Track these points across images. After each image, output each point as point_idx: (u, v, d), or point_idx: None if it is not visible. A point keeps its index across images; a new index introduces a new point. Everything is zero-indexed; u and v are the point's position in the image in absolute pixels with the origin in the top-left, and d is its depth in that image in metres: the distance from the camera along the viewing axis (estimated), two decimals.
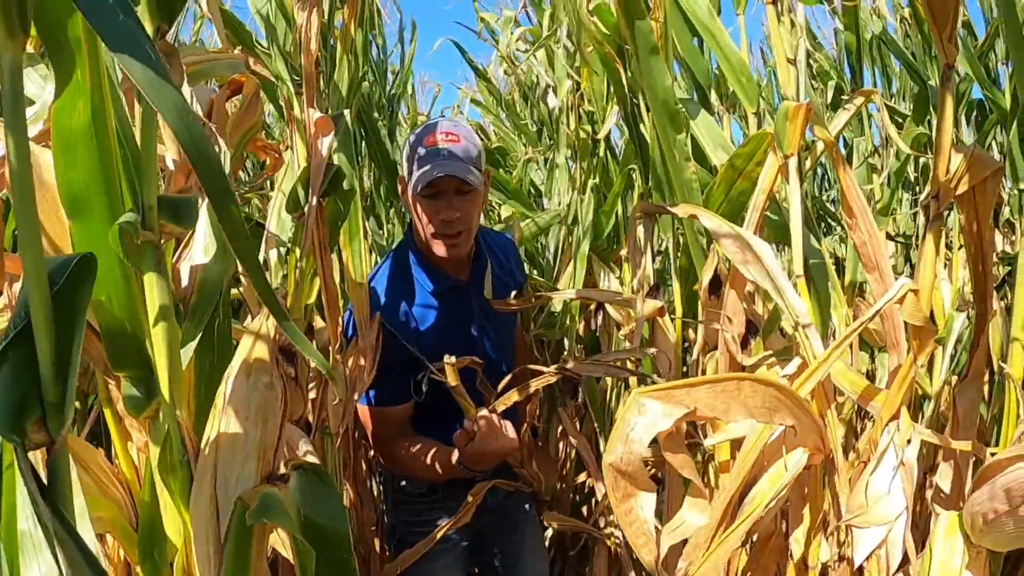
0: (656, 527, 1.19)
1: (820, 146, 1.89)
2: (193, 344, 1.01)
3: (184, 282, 1.08)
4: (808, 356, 1.43)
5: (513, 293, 2.51)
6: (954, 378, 3.17)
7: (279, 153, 1.87)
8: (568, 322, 2.96)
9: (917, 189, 3.58)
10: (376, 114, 3.52)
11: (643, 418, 1.13)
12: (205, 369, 1.02)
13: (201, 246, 1.10)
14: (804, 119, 1.49)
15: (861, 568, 1.52)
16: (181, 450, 0.93)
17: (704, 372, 2.02)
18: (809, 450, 1.37)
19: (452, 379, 2.08)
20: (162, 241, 0.93)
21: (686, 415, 1.14)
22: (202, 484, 0.91)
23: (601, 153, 2.88)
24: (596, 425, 2.94)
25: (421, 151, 2.24)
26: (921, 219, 3.48)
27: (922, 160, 3.55)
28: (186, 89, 1.11)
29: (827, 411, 1.42)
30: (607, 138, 2.89)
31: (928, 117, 3.24)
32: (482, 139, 4.02)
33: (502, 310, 2.41)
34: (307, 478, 0.91)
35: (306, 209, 1.78)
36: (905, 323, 1.47)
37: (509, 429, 2.24)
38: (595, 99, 2.78)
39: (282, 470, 0.94)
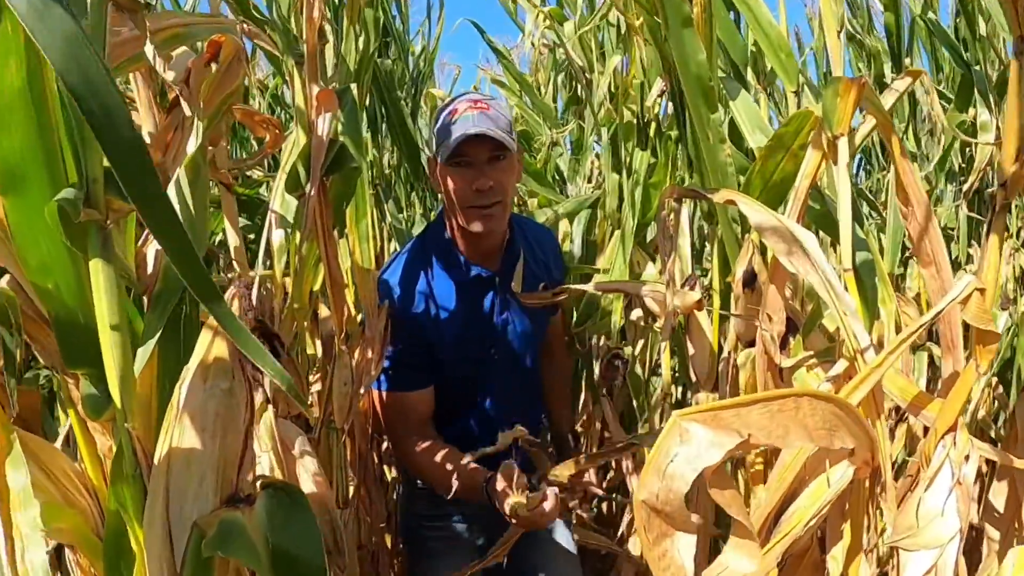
0: None
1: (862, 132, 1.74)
2: (155, 339, 0.88)
3: (150, 269, 0.95)
4: (857, 359, 1.28)
5: (541, 285, 2.34)
6: (995, 379, 3.02)
7: (279, 128, 1.73)
8: (600, 317, 2.80)
9: (962, 180, 3.40)
10: (399, 93, 3.38)
11: (686, 448, 0.94)
12: (169, 367, 0.89)
13: None
14: (857, 95, 1.34)
15: None
16: (133, 462, 0.80)
17: (736, 372, 1.88)
18: (857, 464, 1.23)
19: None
20: (110, 221, 0.79)
21: (739, 445, 0.96)
22: (154, 504, 0.78)
23: (652, 133, 2.71)
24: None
25: (448, 120, 2.08)
26: (963, 212, 3.31)
27: (967, 149, 3.38)
28: (149, 49, 0.97)
29: (877, 421, 1.27)
30: (657, 117, 2.73)
31: (972, 103, 3.07)
32: None
33: (528, 304, 2.28)
34: (277, 499, 0.78)
35: (307, 189, 1.65)
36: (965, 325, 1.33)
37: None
38: (646, 73, 2.64)
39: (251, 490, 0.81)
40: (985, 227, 1.32)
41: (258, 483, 0.81)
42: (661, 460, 0.96)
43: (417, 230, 3.13)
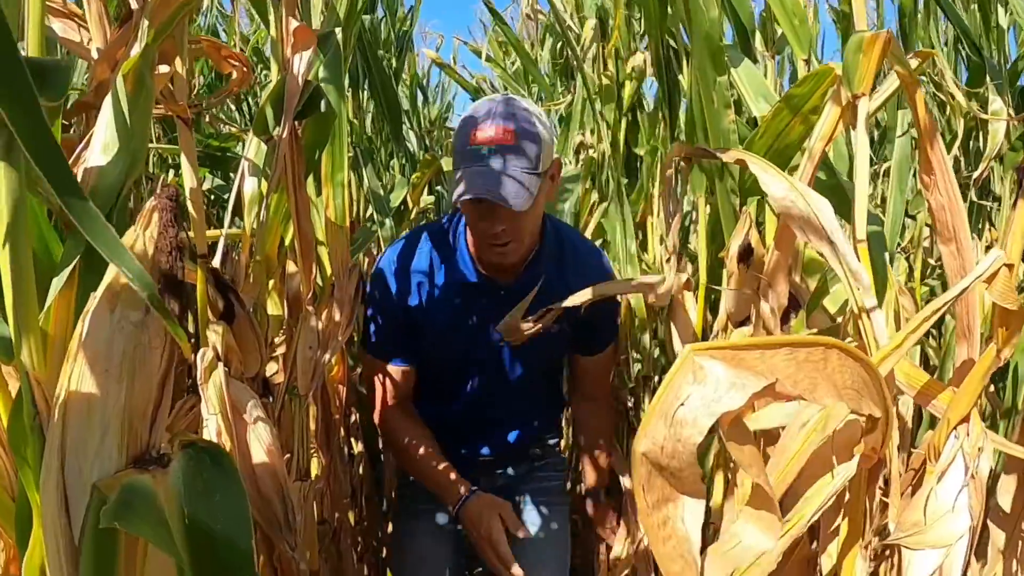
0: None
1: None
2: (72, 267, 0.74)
3: None
4: (868, 339, 1.16)
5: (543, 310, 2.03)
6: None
7: (246, 66, 1.59)
8: None
9: (973, 161, 3.30)
10: (382, 52, 3.24)
11: (701, 388, 0.76)
12: (87, 300, 0.75)
13: (100, 143, 0.83)
14: (882, 51, 1.22)
15: None
16: (32, 411, 0.67)
17: None
18: (866, 453, 1.12)
19: None
20: None
21: (765, 390, 0.79)
22: (50, 461, 0.64)
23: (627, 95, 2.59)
24: None
25: (464, 146, 1.87)
26: (973, 194, 3.23)
27: (970, 142, 3.28)
28: None
29: (892, 416, 1.15)
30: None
31: (984, 89, 2.96)
32: None
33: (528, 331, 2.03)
34: (197, 462, 0.65)
35: (276, 134, 1.51)
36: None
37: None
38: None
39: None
40: (1013, 199, 1.20)
41: (175, 442, 0.68)
42: (670, 402, 0.80)
43: (396, 196, 3.00)
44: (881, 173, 3.36)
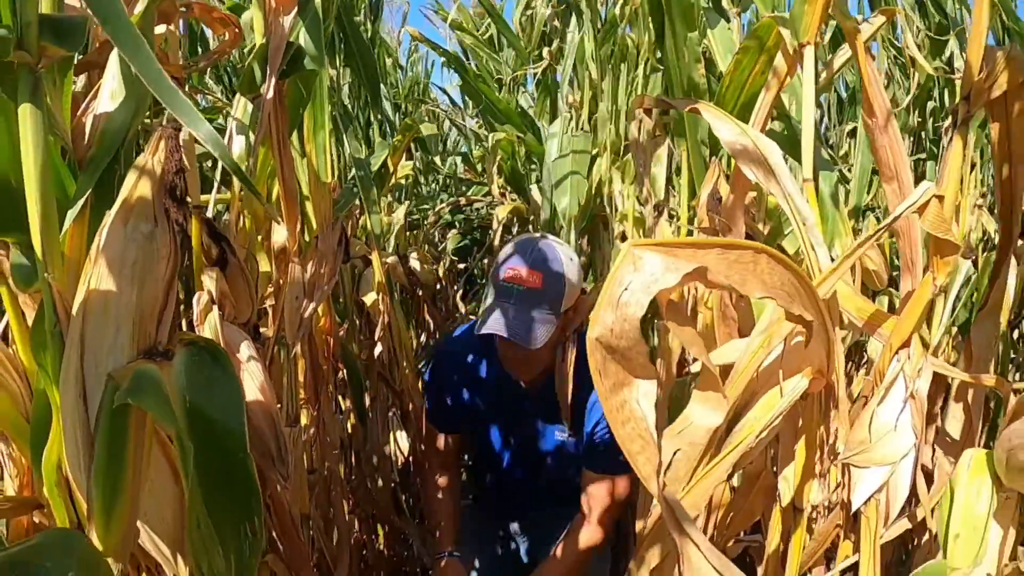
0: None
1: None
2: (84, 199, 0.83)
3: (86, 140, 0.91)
4: (813, 268, 1.26)
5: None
6: (954, 329, 3.02)
7: (239, 27, 1.66)
8: None
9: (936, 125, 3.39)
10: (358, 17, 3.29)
11: (640, 275, 0.87)
12: (97, 225, 0.85)
13: (108, 91, 0.92)
14: (824, 3, 1.31)
15: (857, 514, 1.35)
16: (53, 319, 0.76)
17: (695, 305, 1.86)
18: (812, 374, 1.21)
19: None
20: (41, 65, 0.76)
21: (695, 272, 0.89)
22: (70, 358, 0.74)
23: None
24: None
25: (497, 279, 2.17)
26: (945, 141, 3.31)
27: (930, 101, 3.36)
28: None
29: (832, 333, 1.25)
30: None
31: (945, 51, 3.05)
32: (468, 68, 3.81)
33: None
34: (199, 358, 0.74)
35: (263, 90, 1.59)
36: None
37: None
38: None
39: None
40: (947, 140, 1.30)
41: (178, 340, 0.77)
42: (615, 290, 0.90)
43: (377, 159, 3.06)
44: (846, 134, 3.46)
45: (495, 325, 2.11)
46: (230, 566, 0.74)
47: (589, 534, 2.39)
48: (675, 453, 1.11)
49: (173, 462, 1.01)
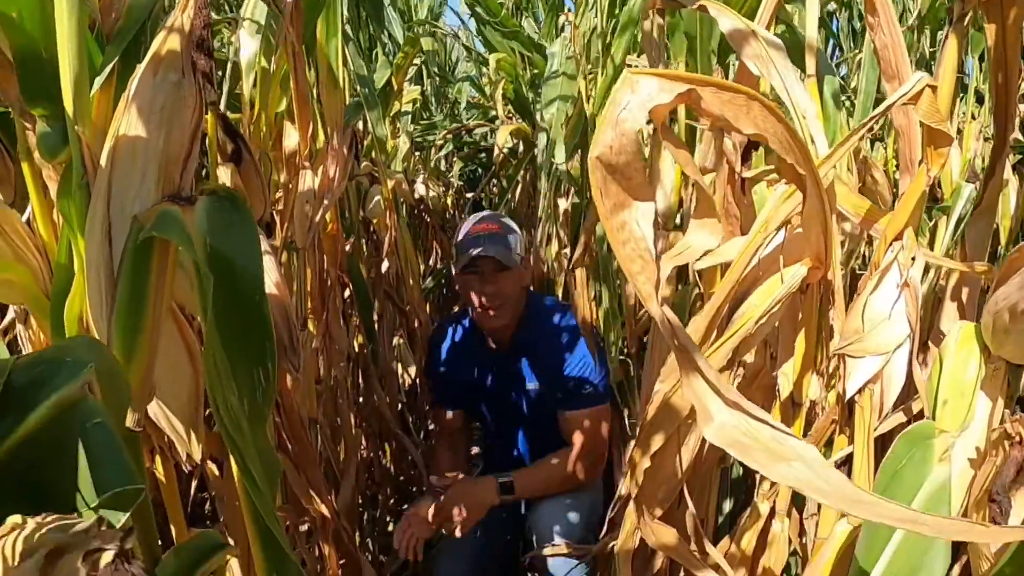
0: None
1: None
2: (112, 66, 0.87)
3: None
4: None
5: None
6: (956, 250, 3.05)
7: None
8: None
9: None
10: None
11: (636, 95, 0.91)
12: (122, 92, 0.88)
13: None
14: None
15: (853, 409, 1.39)
16: (81, 172, 0.80)
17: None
18: (810, 262, 1.24)
19: None
20: None
21: (689, 92, 0.93)
22: (96, 205, 0.77)
23: None
24: None
25: (463, 239, 2.70)
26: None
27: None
28: None
29: (829, 223, 1.27)
30: None
31: None
32: None
33: None
34: (219, 204, 0.78)
35: None
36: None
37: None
38: None
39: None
40: (944, 34, 1.31)
41: (200, 188, 0.81)
42: (614, 112, 0.93)
43: (380, 76, 3.06)
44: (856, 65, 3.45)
45: (471, 251, 2.60)
46: (243, 408, 0.78)
47: (571, 460, 2.71)
48: None
49: (190, 343, 1.06)
